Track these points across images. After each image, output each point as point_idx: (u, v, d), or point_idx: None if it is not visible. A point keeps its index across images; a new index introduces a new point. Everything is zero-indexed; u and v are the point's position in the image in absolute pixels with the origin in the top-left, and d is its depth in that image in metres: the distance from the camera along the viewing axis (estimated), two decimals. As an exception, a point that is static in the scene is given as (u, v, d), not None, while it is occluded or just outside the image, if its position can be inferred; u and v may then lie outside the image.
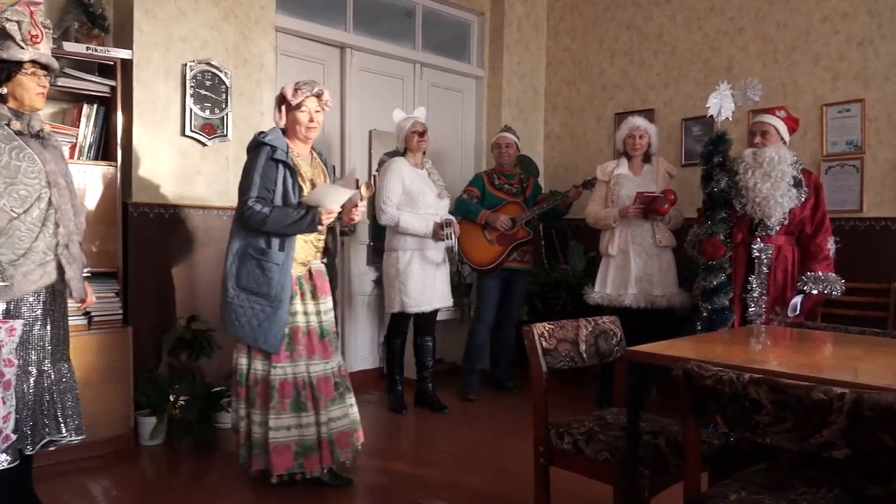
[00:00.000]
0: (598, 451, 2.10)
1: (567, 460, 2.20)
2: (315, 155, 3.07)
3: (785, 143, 3.48)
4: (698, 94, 4.73)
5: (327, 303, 3.01)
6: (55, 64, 2.40)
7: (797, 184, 3.37)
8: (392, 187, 3.95)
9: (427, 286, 3.98)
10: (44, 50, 2.33)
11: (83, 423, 2.49)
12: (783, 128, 3.48)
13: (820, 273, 3.35)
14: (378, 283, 4.61)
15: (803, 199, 3.38)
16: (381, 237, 4.29)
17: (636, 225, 3.98)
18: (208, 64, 3.78)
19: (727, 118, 3.50)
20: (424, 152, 4.13)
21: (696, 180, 4.46)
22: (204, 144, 3.80)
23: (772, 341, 2.41)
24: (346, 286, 4.72)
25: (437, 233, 3.94)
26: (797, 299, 3.36)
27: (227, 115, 3.88)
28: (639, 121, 4.10)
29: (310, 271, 2.96)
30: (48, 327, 2.39)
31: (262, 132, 2.91)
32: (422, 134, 4.02)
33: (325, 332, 2.96)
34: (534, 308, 4.88)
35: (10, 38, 2.27)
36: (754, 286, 3.41)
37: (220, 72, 3.83)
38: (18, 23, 2.27)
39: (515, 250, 4.40)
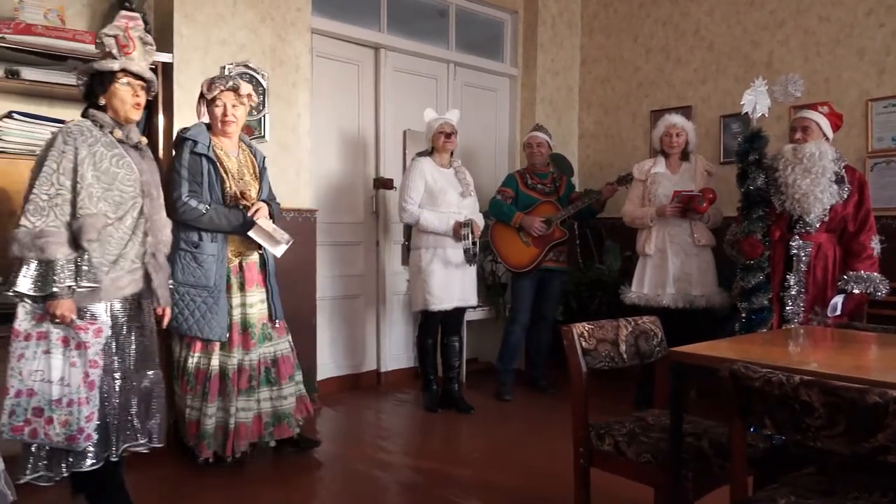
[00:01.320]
0: (640, 453, 2.07)
1: (608, 462, 2.17)
2: (244, 148, 3.18)
3: (828, 139, 3.40)
4: (737, 89, 4.62)
5: (255, 294, 3.11)
6: (148, 74, 2.47)
7: (839, 180, 3.30)
8: (414, 185, 3.97)
9: (449, 283, 3.98)
10: (137, 60, 2.42)
11: (163, 429, 2.55)
12: (826, 124, 3.40)
13: (862, 272, 3.27)
14: (412, 282, 4.63)
15: (845, 196, 3.30)
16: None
17: (674, 224, 3.93)
18: (246, 66, 3.82)
19: (763, 115, 3.43)
20: (452, 153, 4.12)
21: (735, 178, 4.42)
22: (253, 146, 3.83)
23: (817, 342, 2.36)
24: (380, 286, 4.74)
25: (458, 232, 3.93)
26: (838, 299, 3.28)
27: (264, 116, 3.92)
28: (676, 118, 4.05)
29: (240, 264, 3.07)
30: (132, 335, 2.45)
31: (184, 128, 3.05)
32: (449, 135, 4.02)
33: (248, 325, 3.06)
34: (569, 308, 4.85)
35: (107, 50, 2.39)
36: (792, 284, 3.34)
37: (258, 74, 3.87)
38: (114, 36, 2.38)
39: (552, 250, 4.37)
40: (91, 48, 3.17)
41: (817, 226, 3.33)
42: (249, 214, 2.99)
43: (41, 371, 2.25)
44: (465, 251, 3.92)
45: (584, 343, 2.21)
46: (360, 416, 4.08)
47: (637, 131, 5.24)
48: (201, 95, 3.07)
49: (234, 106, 3.06)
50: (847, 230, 3.35)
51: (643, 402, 3.92)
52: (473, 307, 4.28)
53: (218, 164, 3.03)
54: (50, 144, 2.30)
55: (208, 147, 3.00)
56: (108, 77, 2.39)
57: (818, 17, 4.33)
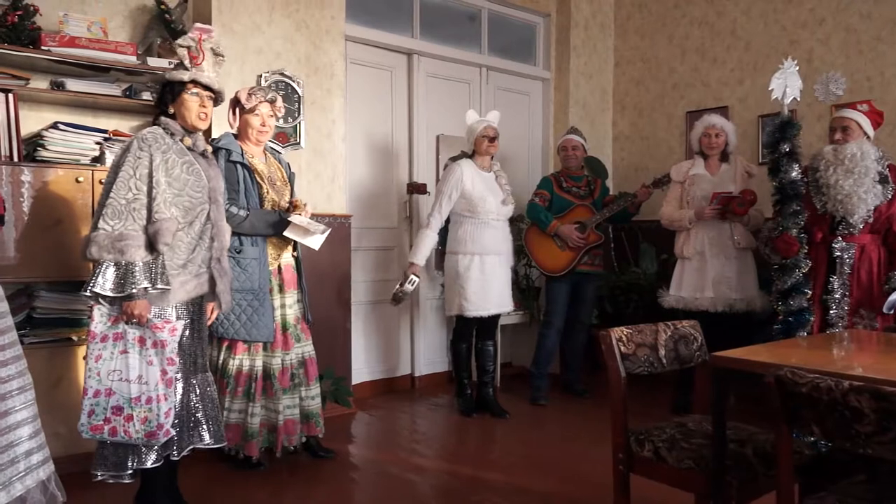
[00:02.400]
0: (681, 459, 2.04)
1: (648, 468, 2.14)
2: (268, 154, 3.25)
3: (869, 138, 3.33)
4: (776, 89, 4.57)
5: (292, 296, 3.18)
6: (216, 85, 2.53)
7: (883, 180, 3.23)
8: (448, 194, 3.95)
9: (487, 290, 3.95)
10: (207, 72, 2.49)
11: (222, 430, 2.61)
12: (866, 122, 3.32)
13: None
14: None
15: (890, 196, 3.23)
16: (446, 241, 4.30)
17: (713, 226, 3.86)
18: (282, 74, 3.87)
19: (795, 99, 3.29)
20: (493, 156, 4.11)
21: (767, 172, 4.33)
22: (278, 153, 3.89)
23: (863, 346, 2.30)
24: (414, 290, 4.74)
25: (406, 274, 3.93)
26: (895, 296, 3.17)
27: (299, 123, 3.97)
28: (715, 118, 3.98)
29: (279, 267, 3.14)
30: (192, 337, 2.51)
31: (214, 139, 3.09)
32: (492, 139, 4.00)
33: (287, 325, 3.14)
34: (604, 312, 4.80)
35: (179, 61, 2.47)
36: (836, 287, 3.26)
37: (293, 81, 3.92)
38: (187, 47, 2.45)
39: (587, 254, 4.34)
40: (133, 59, 3.26)
41: (861, 227, 3.26)
42: (292, 209, 3.06)
43: (119, 371, 2.31)
44: (395, 293, 3.95)
45: (622, 347, 2.19)
46: (394, 421, 4.09)
47: (672, 133, 5.17)
48: (236, 103, 3.12)
49: (270, 116, 3.14)
50: (892, 231, 3.27)
51: (681, 407, 3.87)
52: (508, 312, 4.27)
53: (253, 170, 3.10)
54: (126, 150, 2.36)
55: (242, 155, 3.07)
56: (179, 87, 2.46)
57: (859, 13, 4.24)
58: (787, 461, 1.63)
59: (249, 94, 3.09)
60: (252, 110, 3.10)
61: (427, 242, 3.97)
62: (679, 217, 3.96)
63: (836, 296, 3.28)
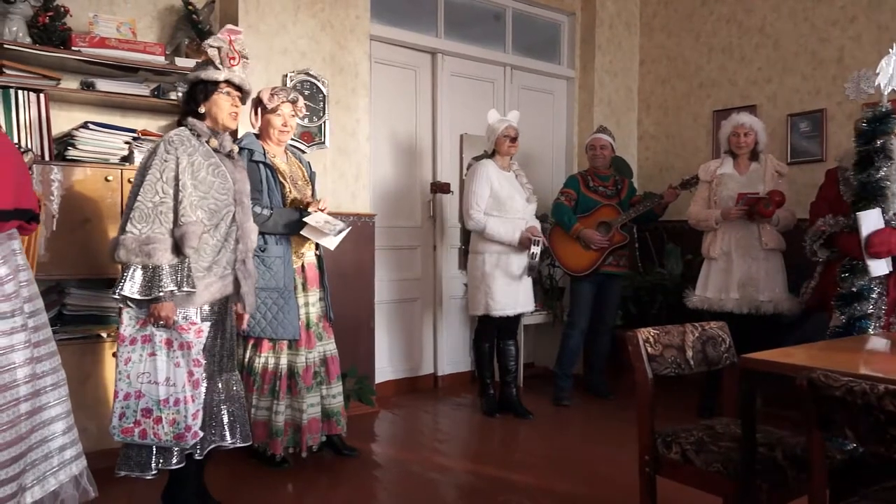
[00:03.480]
0: (709, 462, 2.01)
1: (675, 470, 2.12)
2: (289, 154, 3.27)
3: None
4: (805, 87, 4.50)
5: (315, 294, 3.20)
6: (248, 86, 2.57)
7: None
8: (480, 191, 3.93)
9: (512, 290, 3.95)
10: (238, 72, 2.52)
11: (249, 429, 2.62)
12: None
13: None
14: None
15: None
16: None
17: (741, 227, 3.80)
18: (307, 74, 3.90)
19: (893, 90, 2.99)
20: (512, 156, 4.10)
21: (804, 179, 4.27)
22: (303, 152, 3.91)
23: (898, 350, 2.25)
24: (437, 290, 4.76)
25: (525, 244, 3.88)
26: None
27: (324, 122, 3.99)
28: (744, 117, 3.91)
29: (302, 265, 3.16)
30: (219, 338, 2.52)
31: (237, 139, 3.09)
32: (514, 139, 3.99)
33: (310, 324, 3.16)
34: (628, 312, 4.76)
35: (210, 61, 2.49)
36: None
37: (318, 81, 3.94)
38: (218, 48, 2.48)
39: (611, 254, 4.31)
40: (161, 59, 3.30)
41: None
42: (311, 209, 3.07)
43: (148, 373, 2.34)
44: (531, 267, 3.89)
45: (649, 349, 2.17)
46: (417, 420, 4.09)
47: (699, 132, 5.11)
48: (258, 103, 3.14)
49: (292, 116, 3.16)
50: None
51: (707, 409, 3.82)
52: (531, 312, 4.26)
53: (276, 170, 3.12)
54: (152, 153, 2.38)
55: (264, 155, 3.09)
56: (212, 87, 2.47)
57: (892, 10, 4.15)
58: (821, 465, 1.60)
59: (272, 95, 3.12)
60: (274, 110, 3.12)
61: (497, 225, 3.90)
62: (706, 217, 3.91)
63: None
